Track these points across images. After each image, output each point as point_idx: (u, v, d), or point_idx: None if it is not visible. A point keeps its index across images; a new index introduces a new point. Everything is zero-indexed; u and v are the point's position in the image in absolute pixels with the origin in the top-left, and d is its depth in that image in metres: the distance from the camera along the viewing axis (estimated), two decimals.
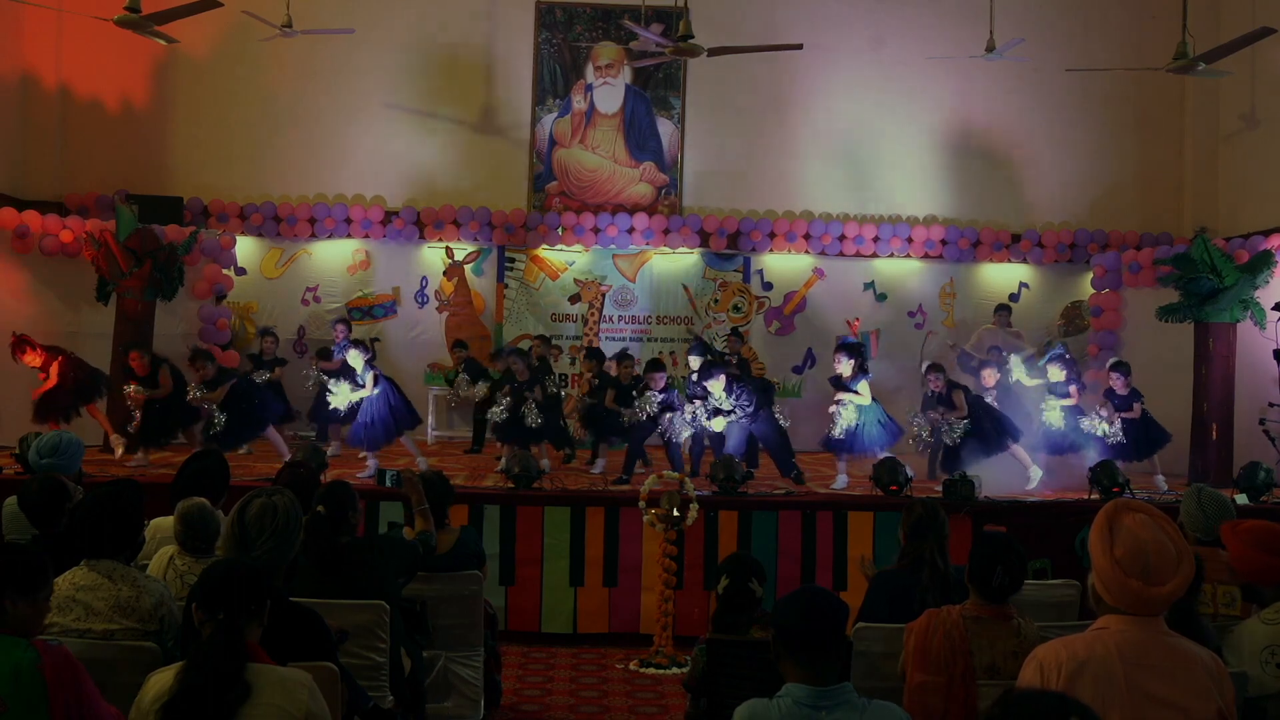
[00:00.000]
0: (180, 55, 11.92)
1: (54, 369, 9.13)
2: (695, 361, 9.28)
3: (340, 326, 10.93)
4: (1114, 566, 2.64)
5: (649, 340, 12.78)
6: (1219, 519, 4.29)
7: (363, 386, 8.74)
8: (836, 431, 8.71)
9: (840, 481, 8.70)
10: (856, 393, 8.73)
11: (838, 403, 8.80)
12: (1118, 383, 9.12)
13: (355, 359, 8.84)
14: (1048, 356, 9.50)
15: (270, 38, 10.91)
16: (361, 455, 9.04)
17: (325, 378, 9.73)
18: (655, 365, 9.35)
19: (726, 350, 10.71)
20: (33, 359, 9.15)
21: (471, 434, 11.26)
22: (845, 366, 8.80)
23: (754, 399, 8.75)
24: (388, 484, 6.95)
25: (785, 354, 12.74)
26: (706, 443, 9.17)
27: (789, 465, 8.81)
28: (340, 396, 8.87)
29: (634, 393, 9.14)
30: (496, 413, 9.15)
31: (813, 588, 2.89)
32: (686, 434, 8.91)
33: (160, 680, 2.65)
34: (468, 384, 10.62)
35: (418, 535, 4.66)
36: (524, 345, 11.30)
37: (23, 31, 11.85)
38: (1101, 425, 8.86)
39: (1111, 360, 9.62)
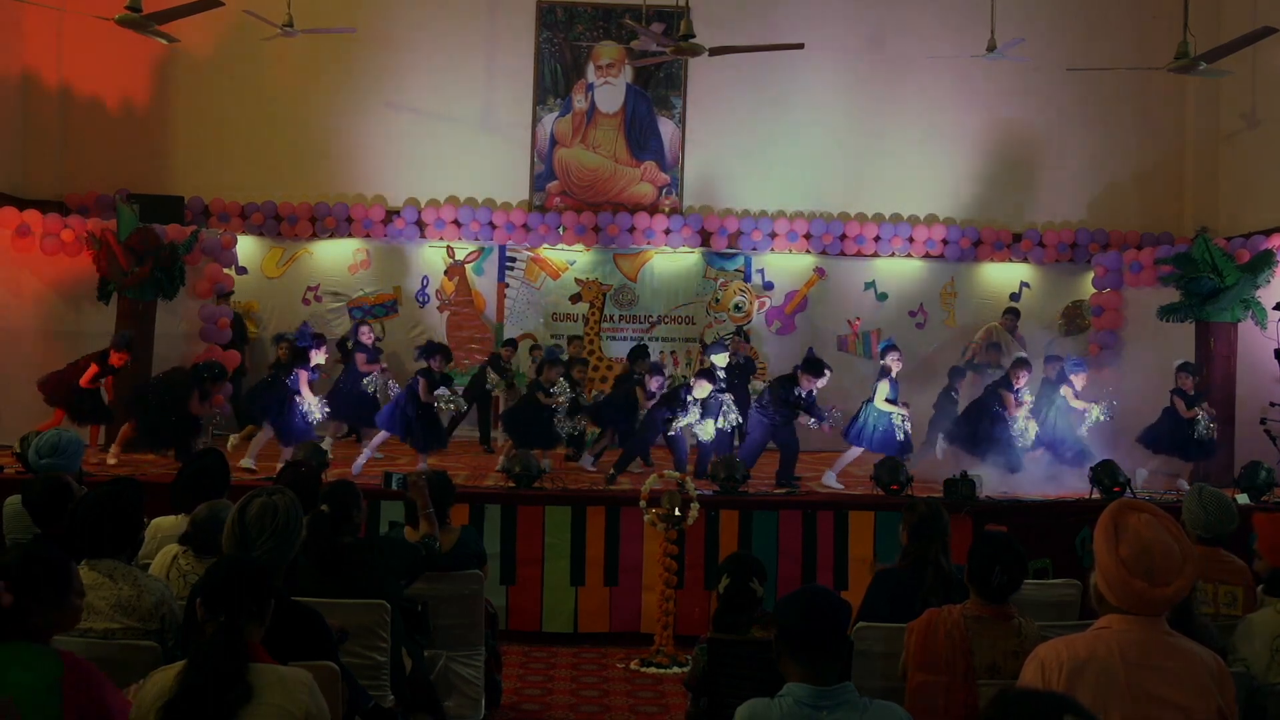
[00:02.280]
0: (181, 55, 11.91)
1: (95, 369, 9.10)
2: (721, 359, 9.41)
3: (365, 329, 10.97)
4: (1119, 566, 2.64)
5: (650, 340, 12.78)
6: (1220, 518, 4.29)
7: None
8: (900, 435, 8.86)
9: (829, 478, 8.77)
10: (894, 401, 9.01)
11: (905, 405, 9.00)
12: (1188, 383, 9.19)
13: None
14: (1071, 367, 9.46)
15: (271, 37, 10.91)
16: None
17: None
18: (640, 352, 9.61)
19: (735, 350, 10.69)
20: (117, 359, 9.10)
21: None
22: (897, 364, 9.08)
23: (724, 407, 8.93)
24: (393, 486, 6.95)
25: (786, 353, 12.74)
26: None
27: (790, 475, 8.86)
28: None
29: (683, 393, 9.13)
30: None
31: (814, 587, 2.89)
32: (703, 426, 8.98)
33: (160, 679, 2.64)
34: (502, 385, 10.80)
35: (422, 539, 4.66)
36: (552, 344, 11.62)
37: (24, 31, 11.85)
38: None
39: (1180, 361, 9.56)
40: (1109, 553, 2.66)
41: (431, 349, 9.25)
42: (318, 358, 8.89)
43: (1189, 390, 9.18)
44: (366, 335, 10.61)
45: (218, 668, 2.58)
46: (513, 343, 11.64)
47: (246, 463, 8.43)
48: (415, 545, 4.55)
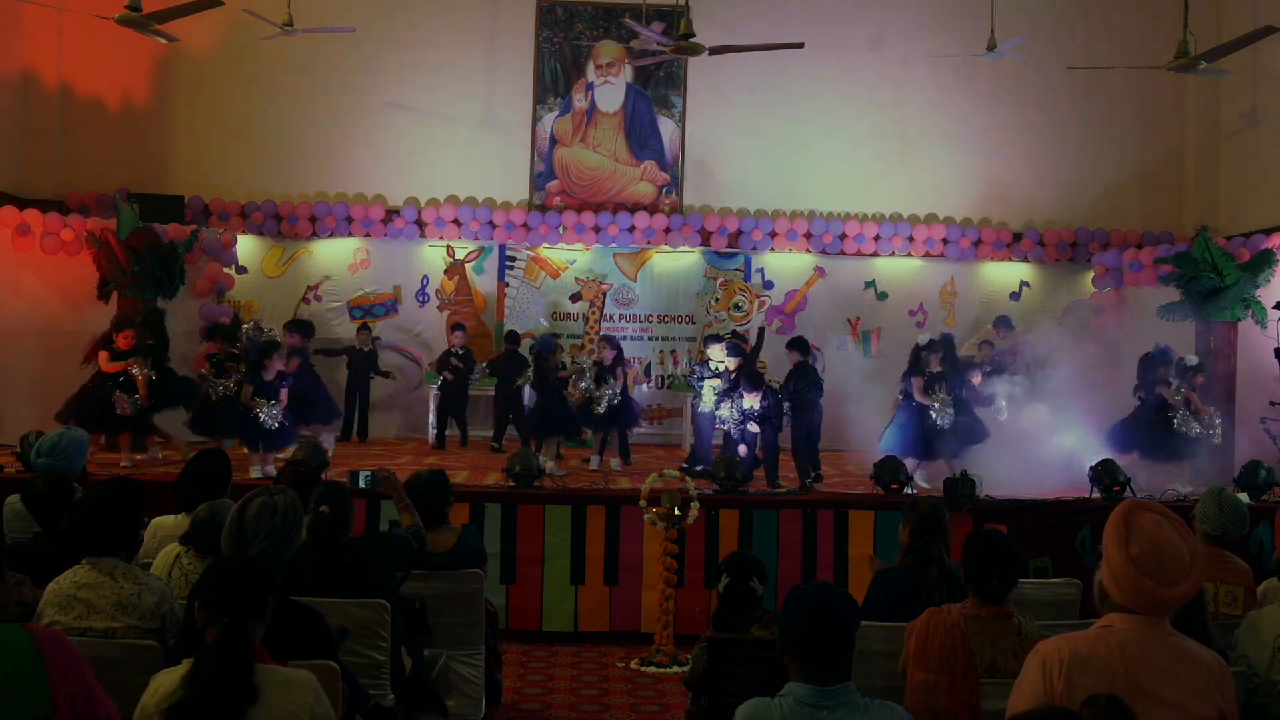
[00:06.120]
0: (181, 54, 11.91)
1: (140, 383, 8.61)
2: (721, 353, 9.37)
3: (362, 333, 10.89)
4: (1129, 564, 2.64)
5: (650, 339, 12.80)
6: (1234, 521, 4.46)
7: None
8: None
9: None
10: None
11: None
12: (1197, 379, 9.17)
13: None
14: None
15: (271, 36, 10.90)
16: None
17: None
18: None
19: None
20: (125, 341, 8.63)
21: (461, 432, 11.37)
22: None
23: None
24: (361, 485, 6.90)
25: (786, 353, 12.70)
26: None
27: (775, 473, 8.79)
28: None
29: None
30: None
31: (827, 585, 2.82)
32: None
33: (165, 683, 2.63)
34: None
35: (407, 530, 4.67)
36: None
37: (24, 30, 11.84)
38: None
39: (1195, 360, 9.49)
40: (1119, 551, 2.67)
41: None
42: (276, 366, 8.32)
43: (1171, 378, 8.91)
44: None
45: (222, 673, 2.56)
46: (461, 328, 11.57)
47: (269, 470, 8.33)
48: (406, 537, 4.56)
